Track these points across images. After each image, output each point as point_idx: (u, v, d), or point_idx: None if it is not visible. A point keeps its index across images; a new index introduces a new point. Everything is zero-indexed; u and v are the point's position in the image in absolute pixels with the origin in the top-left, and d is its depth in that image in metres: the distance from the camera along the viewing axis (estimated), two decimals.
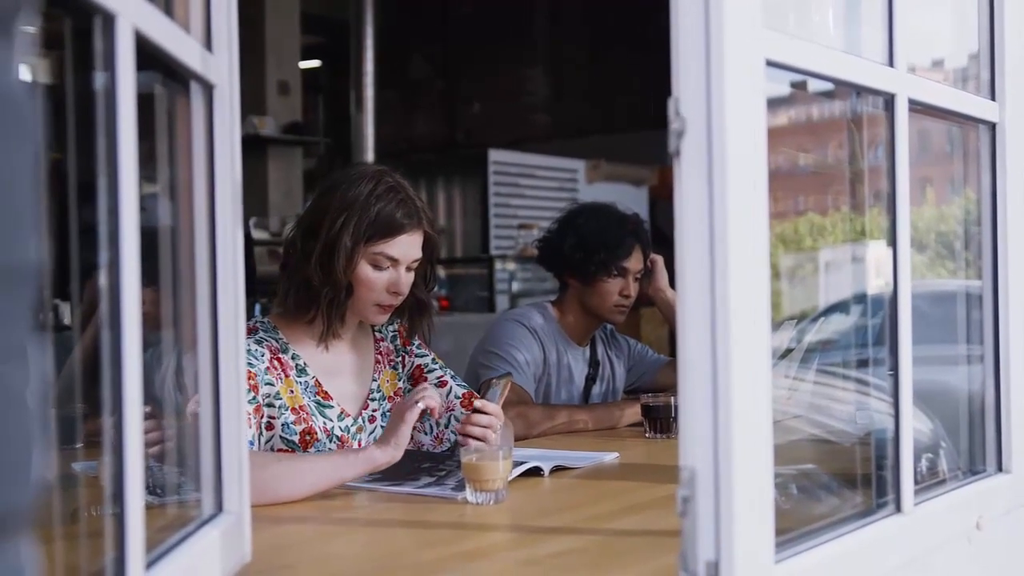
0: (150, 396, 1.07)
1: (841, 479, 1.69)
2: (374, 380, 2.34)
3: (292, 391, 2.17)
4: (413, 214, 2.19)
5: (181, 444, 1.48)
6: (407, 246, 2.19)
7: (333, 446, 2.19)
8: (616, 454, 2.37)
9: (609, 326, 3.19)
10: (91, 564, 1.16)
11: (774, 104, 1.31)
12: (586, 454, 2.33)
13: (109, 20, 0.98)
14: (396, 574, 1.51)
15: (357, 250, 2.15)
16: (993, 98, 1.81)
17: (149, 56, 1.10)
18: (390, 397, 2.35)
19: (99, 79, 0.99)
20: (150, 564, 1.08)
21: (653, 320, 6.45)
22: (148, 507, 1.05)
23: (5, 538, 0.58)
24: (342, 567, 1.59)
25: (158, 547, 1.16)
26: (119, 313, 0.99)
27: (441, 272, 7.62)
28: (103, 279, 0.98)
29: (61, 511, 1.21)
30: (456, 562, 1.55)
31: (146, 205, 1.07)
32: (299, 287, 2.19)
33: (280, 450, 2.14)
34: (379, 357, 2.37)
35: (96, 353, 1.03)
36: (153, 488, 1.31)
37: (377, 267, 2.18)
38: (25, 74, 0.62)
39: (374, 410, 2.32)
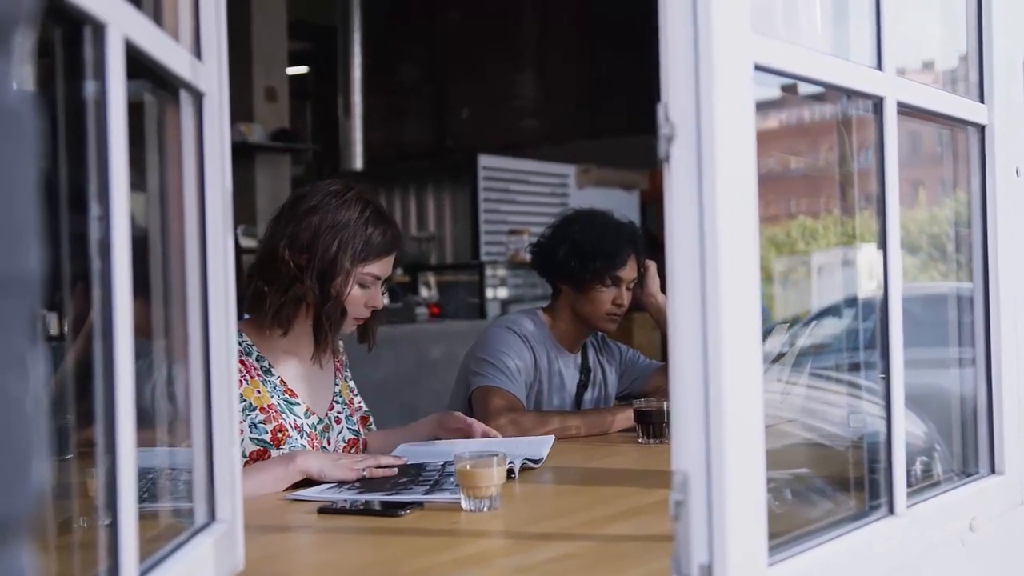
0: (141, 407, 1.07)
1: (834, 482, 1.69)
2: (336, 384, 2.45)
3: (259, 391, 2.25)
4: (398, 236, 2.35)
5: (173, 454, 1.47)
6: (389, 266, 2.35)
7: (304, 442, 2.27)
8: (551, 437, 2.46)
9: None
10: (83, 574, 1.16)
11: (765, 107, 1.32)
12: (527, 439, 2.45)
13: (99, 29, 0.98)
14: None
15: (352, 272, 2.27)
16: (982, 100, 1.81)
17: (138, 64, 1.10)
18: (348, 403, 2.46)
19: (89, 87, 0.99)
20: (143, 573, 1.08)
21: (646, 325, 6.44)
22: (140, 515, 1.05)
23: (4, 545, 0.58)
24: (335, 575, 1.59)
25: (151, 556, 1.15)
26: (111, 323, 0.99)
27: (431, 279, 7.62)
28: (95, 289, 0.98)
29: (53, 521, 1.21)
30: (451, 569, 1.54)
31: (135, 214, 1.07)
32: (291, 303, 2.26)
33: (252, 452, 2.18)
34: (338, 364, 2.49)
35: (86, 363, 1.02)
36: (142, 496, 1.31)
37: (363, 286, 2.30)
38: (23, 83, 0.63)
39: (338, 412, 2.42)
